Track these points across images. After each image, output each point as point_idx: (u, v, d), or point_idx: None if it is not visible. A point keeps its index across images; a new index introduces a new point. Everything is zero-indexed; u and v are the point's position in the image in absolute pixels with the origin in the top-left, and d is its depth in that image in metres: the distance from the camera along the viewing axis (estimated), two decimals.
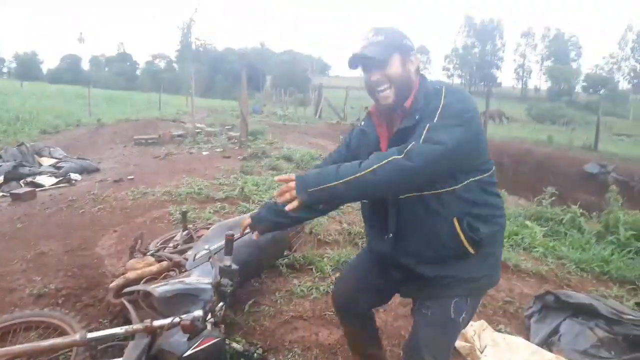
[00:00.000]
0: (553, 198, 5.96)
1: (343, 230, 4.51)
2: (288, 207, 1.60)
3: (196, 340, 2.03)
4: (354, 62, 1.72)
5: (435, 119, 1.55)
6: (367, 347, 2.22)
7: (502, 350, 2.52)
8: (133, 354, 2.06)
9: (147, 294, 2.48)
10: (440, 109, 1.57)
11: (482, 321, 2.81)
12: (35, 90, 22.73)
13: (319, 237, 4.28)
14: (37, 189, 5.76)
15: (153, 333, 2.15)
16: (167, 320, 2.12)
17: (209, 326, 2.15)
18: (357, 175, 1.50)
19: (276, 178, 1.75)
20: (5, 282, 3.20)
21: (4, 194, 5.64)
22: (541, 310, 3.04)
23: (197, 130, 12.60)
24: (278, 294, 3.24)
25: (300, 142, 11.93)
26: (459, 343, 2.68)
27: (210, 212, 4.85)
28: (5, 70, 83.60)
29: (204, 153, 9.65)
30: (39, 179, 6.19)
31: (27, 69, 67.86)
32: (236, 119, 17.42)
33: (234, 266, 2.15)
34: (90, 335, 2.11)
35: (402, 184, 1.54)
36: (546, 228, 5.19)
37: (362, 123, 1.90)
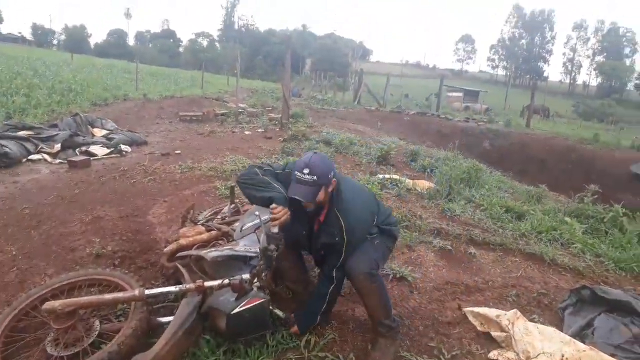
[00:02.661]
0: (595, 196, 5.86)
1: None
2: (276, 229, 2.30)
3: (243, 300, 2.20)
4: (293, 201, 2.33)
5: (344, 252, 2.44)
6: (301, 275, 3.00)
7: (535, 339, 2.58)
8: (185, 310, 2.24)
9: (199, 258, 2.67)
10: (345, 241, 2.42)
11: (515, 310, 2.87)
12: (85, 63, 23.49)
13: None
14: (91, 158, 6.08)
15: (204, 293, 2.33)
16: (218, 281, 2.30)
17: (255, 288, 2.32)
18: (322, 307, 2.58)
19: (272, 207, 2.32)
20: (67, 242, 3.46)
21: (61, 161, 5.98)
22: (576, 304, 3.07)
23: (239, 110, 12.84)
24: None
25: (339, 127, 11.99)
26: (494, 333, 2.77)
27: None
28: (55, 42, 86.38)
29: (247, 132, 9.87)
30: (93, 149, 6.52)
31: (75, 42, 69.86)
32: (276, 101, 17.61)
33: (280, 233, 2.29)
34: (148, 292, 2.30)
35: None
36: (586, 225, 5.14)
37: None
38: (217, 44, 75.40)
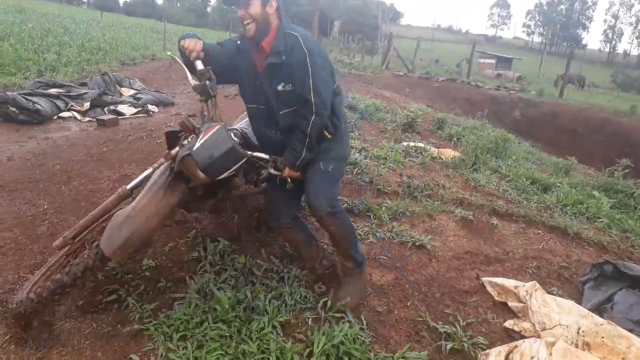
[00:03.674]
0: (627, 170, 5.69)
1: (402, 182, 4.58)
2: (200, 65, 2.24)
3: (199, 135, 2.19)
4: (225, 2, 2.33)
5: (311, 78, 2.24)
6: (309, 248, 2.75)
7: (553, 311, 2.58)
8: (157, 173, 2.31)
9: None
10: (310, 67, 2.24)
11: (534, 282, 2.86)
12: (114, 22, 23.54)
13: (379, 187, 4.39)
14: (119, 117, 6.18)
15: (174, 159, 2.27)
16: (178, 147, 2.31)
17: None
18: (306, 143, 2.36)
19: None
20: (96, 198, 3.57)
21: (90, 119, 6.10)
22: (597, 278, 3.05)
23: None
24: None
25: (366, 92, 11.81)
26: (511, 303, 2.77)
27: None
28: (85, 0, 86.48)
29: None
30: (121, 108, 6.61)
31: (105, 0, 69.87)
32: None
33: (201, 66, 2.25)
34: (129, 186, 2.35)
35: (320, 128, 2.40)
36: (615, 200, 5.02)
37: (239, 42, 2.41)
38: None
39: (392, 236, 3.45)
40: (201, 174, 2.15)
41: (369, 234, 3.45)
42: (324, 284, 2.75)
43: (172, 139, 2.41)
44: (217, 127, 2.20)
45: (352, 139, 6.17)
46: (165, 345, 2.15)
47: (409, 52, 25.60)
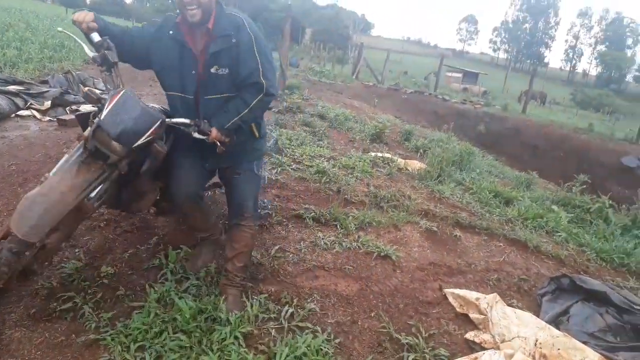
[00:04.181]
0: (584, 186, 5.91)
1: (370, 192, 4.61)
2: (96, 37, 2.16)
3: (105, 103, 2.07)
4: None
5: (259, 61, 2.24)
6: (207, 217, 2.86)
7: (512, 323, 2.63)
8: (74, 155, 2.11)
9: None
10: (256, 51, 2.24)
11: (495, 294, 2.92)
12: None
13: (346, 196, 4.40)
14: None
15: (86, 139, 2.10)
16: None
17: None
18: (243, 112, 2.27)
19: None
20: None
21: (51, 118, 5.89)
22: (554, 291, 3.13)
23: None
24: (302, 243, 3.40)
25: (335, 102, 11.89)
26: (473, 315, 2.81)
27: None
28: None
29: None
30: (83, 108, 6.42)
31: None
32: None
33: (98, 38, 2.17)
34: (51, 172, 2.12)
35: (265, 110, 2.47)
36: (572, 215, 5.20)
37: (171, 32, 2.29)
38: None
39: (358, 246, 3.46)
40: (115, 144, 2.02)
41: (335, 243, 3.45)
42: None
43: (85, 121, 2.23)
44: (122, 92, 2.10)
45: (321, 147, 6.19)
46: (122, 355, 2.07)
47: (378, 63, 25.92)
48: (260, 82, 2.25)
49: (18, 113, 5.76)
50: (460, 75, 37.60)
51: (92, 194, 2.10)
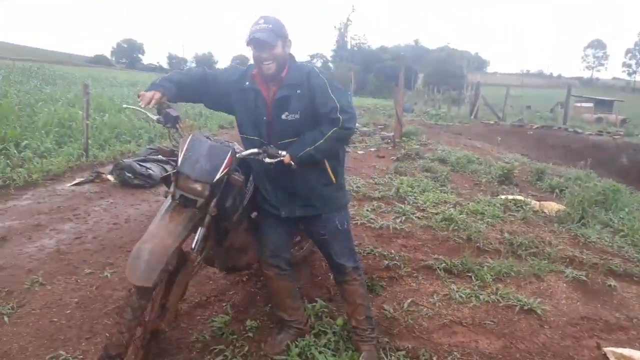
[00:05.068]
0: None
1: (504, 239, 4.36)
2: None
3: (178, 153, 2.18)
4: (250, 42, 2.29)
5: (332, 94, 2.29)
6: (294, 296, 2.75)
7: None
8: (164, 205, 2.24)
9: None
10: (331, 91, 2.30)
11: None
12: None
13: (478, 244, 4.20)
14: None
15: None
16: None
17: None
18: (319, 142, 2.28)
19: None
20: None
21: None
22: None
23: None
24: (436, 296, 3.29)
25: (455, 144, 11.61)
26: None
27: (367, 210, 5.06)
28: (186, 69, 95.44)
29: (359, 152, 9.98)
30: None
31: (203, 68, 76.43)
32: (388, 118, 17.60)
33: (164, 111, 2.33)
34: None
35: (344, 142, 2.52)
36: None
37: (247, 83, 2.43)
38: (331, 64, 77.70)
39: (497, 299, 3.24)
40: (196, 185, 2.11)
41: (471, 296, 3.28)
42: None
43: (168, 182, 2.34)
44: (190, 137, 2.21)
45: (445, 193, 6.04)
46: None
47: (497, 100, 24.93)
48: (337, 117, 2.29)
49: (162, 176, 6.51)
50: (591, 104, 34.54)
51: (193, 245, 2.22)
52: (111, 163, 7.05)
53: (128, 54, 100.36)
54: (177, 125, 2.37)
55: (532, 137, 16.57)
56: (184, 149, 2.17)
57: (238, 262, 2.74)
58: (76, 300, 3.13)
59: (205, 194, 2.14)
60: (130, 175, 6.00)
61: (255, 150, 2.33)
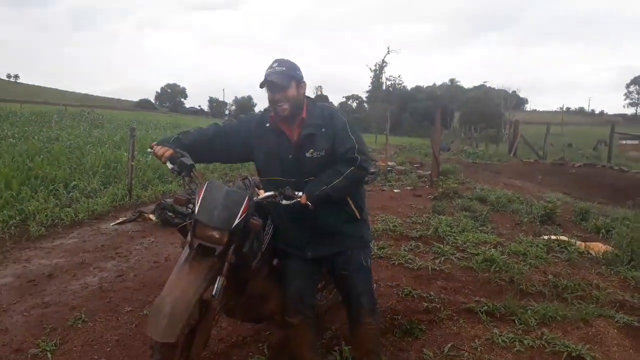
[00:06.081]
0: None
1: (548, 281, 4.20)
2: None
3: (194, 200, 2.17)
4: (263, 85, 2.37)
5: (351, 135, 2.39)
6: (314, 350, 2.67)
7: None
8: (182, 256, 2.20)
9: None
10: (350, 132, 2.40)
11: None
12: None
13: (521, 287, 4.07)
14: None
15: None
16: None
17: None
18: (335, 181, 2.31)
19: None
20: None
21: None
22: None
23: (388, 168, 13.07)
24: (477, 341, 3.18)
25: (494, 182, 11.41)
26: None
27: (405, 250, 5.01)
28: (227, 112, 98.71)
29: (395, 191, 9.95)
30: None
31: (243, 111, 78.90)
32: (424, 157, 17.56)
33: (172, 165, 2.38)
34: None
35: (359, 183, 2.50)
36: None
37: (268, 125, 2.52)
38: (366, 105, 78.65)
39: (543, 344, 3.10)
40: (214, 232, 2.09)
41: (515, 341, 3.15)
42: None
43: (185, 231, 2.33)
44: (205, 184, 2.20)
45: (485, 232, 5.91)
46: None
47: (537, 138, 24.53)
48: (355, 157, 2.35)
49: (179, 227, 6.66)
50: (637, 142, 33.34)
51: (214, 292, 2.13)
52: (153, 203, 7.30)
53: (171, 98, 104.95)
54: (192, 173, 2.38)
55: (574, 175, 16.08)
56: (200, 196, 2.15)
57: (260, 311, 2.67)
58: (116, 338, 3.21)
59: (224, 241, 2.11)
60: (171, 214, 6.19)
61: (272, 193, 2.32)
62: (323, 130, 2.41)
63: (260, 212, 2.41)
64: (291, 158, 2.43)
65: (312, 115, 2.46)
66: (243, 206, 2.14)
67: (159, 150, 2.41)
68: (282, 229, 2.56)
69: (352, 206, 2.49)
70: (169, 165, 2.40)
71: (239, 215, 2.10)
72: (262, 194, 2.36)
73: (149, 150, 2.52)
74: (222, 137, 2.58)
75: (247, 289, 2.47)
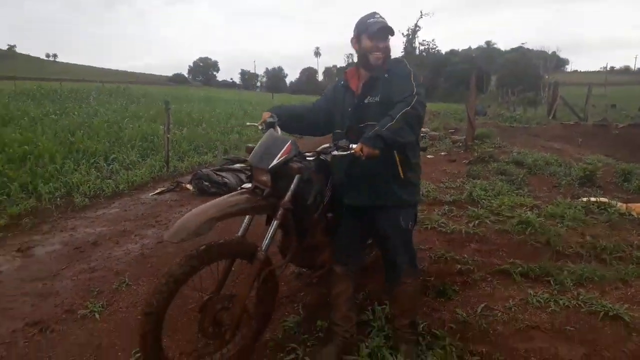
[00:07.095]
0: None
1: (586, 243, 4.12)
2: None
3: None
4: (383, 31, 2.41)
5: (413, 81, 2.34)
6: (351, 303, 2.70)
7: None
8: None
9: None
10: (413, 79, 2.35)
11: None
12: (282, 101, 26.39)
13: (558, 248, 4.00)
14: None
15: None
16: None
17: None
18: (388, 124, 2.21)
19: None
20: None
21: None
22: None
23: (422, 134, 12.88)
24: (511, 301, 3.17)
25: (532, 146, 11.08)
26: None
27: (438, 215, 4.98)
28: (258, 84, 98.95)
29: (429, 156, 9.82)
30: None
31: (274, 82, 79.02)
32: (459, 122, 17.17)
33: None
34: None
35: (412, 127, 2.29)
36: None
37: (342, 82, 2.65)
38: None
39: (579, 304, 3.07)
40: (257, 170, 2.33)
41: (549, 301, 3.12)
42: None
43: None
44: (265, 133, 2.45)
45: (521, 196, 5.81)
46: None
47: (578, 100, 23.50)
48: (411, 97, 2.28)
49: (242, 186, 6.79)
50: None
51: (264, 246, 2.33)
52: (190, 173, 7.50)
53: (204, 71, 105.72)
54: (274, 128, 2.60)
55: (617, 137, 15.40)
56: (258, 144, 2.39)
57: (314, 260, 2.83)
58: None
59: (268, 182, 2.29)
60: (207, 184, 6.35)
61: (326, 145, 2.46)
62: (386, 75, 2.44)
63: (325, 169, 2.63)
64: (352, 109, 2.52)
65: (385, 64, 2.50)
66: (284, 149, 2.29)
67: (265, 117, 2.71)
68: (337, 183, 2.67)
69: (398, 164, 2.44)
70: (259, 127, 2.70)
71: (277, 157, 2.25)
72: None
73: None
74: (316, 110, 2.78)
75: (306, 237, 2.61)
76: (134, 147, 9.07)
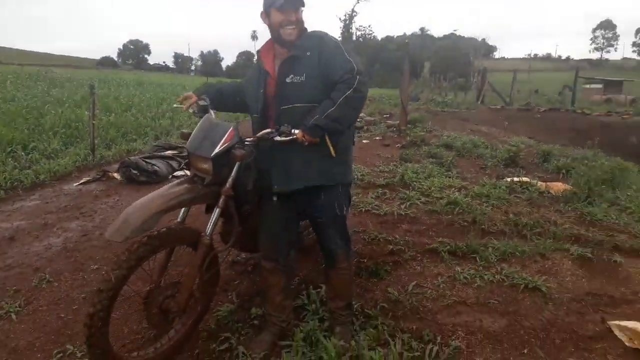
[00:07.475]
0: None
1: (509, 220, 4.35)
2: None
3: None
4: (292, 2, 2.22)
5: (350, 58, 2.22)
6: (285, 294, 2.66)
7: None
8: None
9: None
10: (345, 51, 2.24)
11: None
12: None
13: (483, 227, 4.20)
14: None
15: None
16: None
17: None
18: (329, 110, 2.14)
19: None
20: None
21: None
22: None
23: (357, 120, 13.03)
24: (440, 278, 3.29)
25: (462, 130, 11.54)
26: None
27: (372, 197, 5.07)
28: (192, 68, 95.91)
29: (364, 141, 9.96)
30: None
31: (210, 66, 76.88)
32: (394, 108, 17.52)
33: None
34: None
35: (358, 110, 2.29)
36: None
37: (255, 61, 2.54)
38: None
39: (502, 279, 3.24)
40: (197, 158, 2.26)
41: (475, 277, 3.28)
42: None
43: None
44: (202, 119, 2.39)
45: (450, 177, 6.03)
46: None
47: (504, 85, 24.72)
48: (353, 77, 2.17)
49: (174, 174, 6.57)
50: (600, 86, 34.13)
51: (207, 230, 2.29)
52: (118, 161, 7.13)
53: (134, 54, 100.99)
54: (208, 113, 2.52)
55: (539, 120, 16.42)
56: (195, 130, 2.32)
57: (255, 245, 2.73)
58: (83, 295, 3.18)
59: (210, 170, 2.21)
60: (136, 172, 6.07)
61: (268, 130, 2.28)
62: (308, 53, 2.26)
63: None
64: (262, 93, 2.36)
65: (303, 39, 2.31)
66: (225, 136, 2.21)
67: (181, 99, 2.66)
68: (261, 169, 2.44)
69: (328, 143, 2.29)
70: (190, 110, 2.60)
71: (220, 144, 2.18)
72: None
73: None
74: (239, 93, 2.65)
75: (248, 222, 2.55)
76: (56, 135, 8.50)
